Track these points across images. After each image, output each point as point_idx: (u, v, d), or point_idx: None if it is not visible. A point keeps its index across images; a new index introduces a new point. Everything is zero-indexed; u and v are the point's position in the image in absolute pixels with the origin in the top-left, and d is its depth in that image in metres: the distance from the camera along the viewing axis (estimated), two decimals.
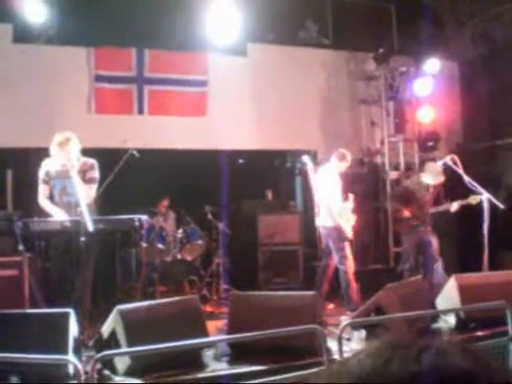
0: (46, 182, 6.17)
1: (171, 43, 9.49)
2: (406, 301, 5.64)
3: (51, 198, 6.17)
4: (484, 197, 7.48)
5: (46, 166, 6.19)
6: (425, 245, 8.14)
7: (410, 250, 8.24)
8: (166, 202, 9.39)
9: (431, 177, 8.15)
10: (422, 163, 10.44)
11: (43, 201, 6.15)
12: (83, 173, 6.01)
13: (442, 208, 8.25)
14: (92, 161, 6.25)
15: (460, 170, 7.82)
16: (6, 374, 4.05)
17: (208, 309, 7.84)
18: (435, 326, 6.06)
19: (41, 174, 6.19)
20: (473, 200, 7.72)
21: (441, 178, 8.12)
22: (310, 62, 10.60)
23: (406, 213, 8.22)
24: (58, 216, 5.89)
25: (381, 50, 10.53)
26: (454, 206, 8.02)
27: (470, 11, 10.87)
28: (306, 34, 10.89)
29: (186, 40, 9.45)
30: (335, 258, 7.56)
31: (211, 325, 5.59)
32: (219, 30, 8.88)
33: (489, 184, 7.83)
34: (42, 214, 6.09)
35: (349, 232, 7.53)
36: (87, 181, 6.05)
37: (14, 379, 4.06)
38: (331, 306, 7.62)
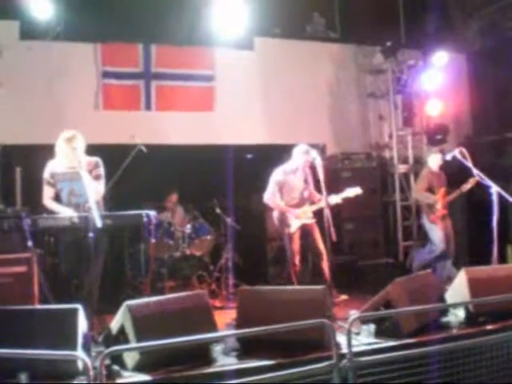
0: (50, 184, 6.11)
1: (178, 38, 9.47)
2: (415, 295, 5.62)
3: (58, 199, 6.12)
4: (493, 190, 7.43)
5: (51, 167, 6.13)
6: None
7: None
8: (174, 197, 9.39)
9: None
10: None
11: (48, 202, 6.10)
12: (89, 172, 5.98)
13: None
14: (96, 159, 6.24)
15: (469, 163, 7.78)
16: (14, 369, 4.06)
17: (217, 303, 7.86)
18: (444, 319, 6.03)
19: (45, 175, 6.12)
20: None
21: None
22: (317, 56, 10.57)
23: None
24: (66, 212, 5.89)
25: (388, 44, 10.50)
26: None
27: (477, 3, 10.82)
28: (314, 27, 10.86)
29: (192, 35, 9.44)
30: None
31: (220, 319, 5.58)
32: (226, 24, 8.87)
33: (498, 177, 7.78)
34: (50, 210, 6.09)
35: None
36: (94, 178, 6.04)
37: (22, 375, 4.06)
38: (344, 296, 7.54)
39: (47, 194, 6.13)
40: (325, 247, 7.31)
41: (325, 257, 7.47)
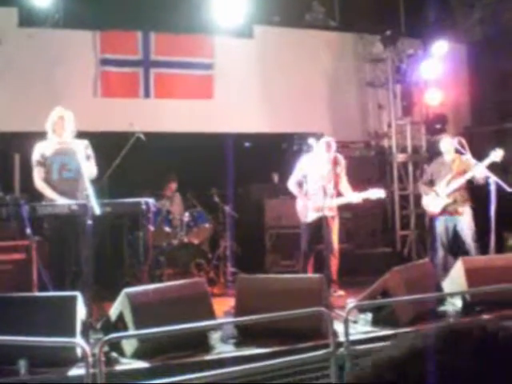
0: (41, 164, 6.13)
1: (177, 26, 9.45)
2: (412, 283, 5.65)
3: (49, 178, 6.13)
4: (491, 180, 7.45)
5: (41, 149, 6.16)
6: None
7: None
8: (173, 185, 9.38)
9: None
10: (430, 146, 10.46)
11: (40, 183, 6.12)
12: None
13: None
14: (84, 141, 6.26)
15: (468, 153, 7.78)
16: (14, 357, 4.09)
17: (215, 291, 7.88)
18: (441, 308, 6.07)
19: (35, 157, 6.15)
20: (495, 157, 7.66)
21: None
22: (316, 44, 10.54)
23: None
24: (59, 200, 5.91)
25: (388, 33, 10.47)
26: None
27: None
28: (313, 16, 10.83)
29: (191, 23, 9.41)
30: None
31: (218, 307, 5.62)
32: (225, 12, 8.86)
33: (496, 167, 7.79)
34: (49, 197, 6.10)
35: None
36: (86, 158, 6.06)
37: (22, 362, 4.09)
38: (341, 292, 7.50)
39: (39, 174, 6.15)
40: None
41: (336, 253, 7.47)
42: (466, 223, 7.95)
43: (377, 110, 11.08)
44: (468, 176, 7.85)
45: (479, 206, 7.95)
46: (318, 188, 7.55)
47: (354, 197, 7.51)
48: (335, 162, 7.62)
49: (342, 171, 7.69)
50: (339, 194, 7.66)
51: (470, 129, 10.99)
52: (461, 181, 7.94)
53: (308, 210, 7.60)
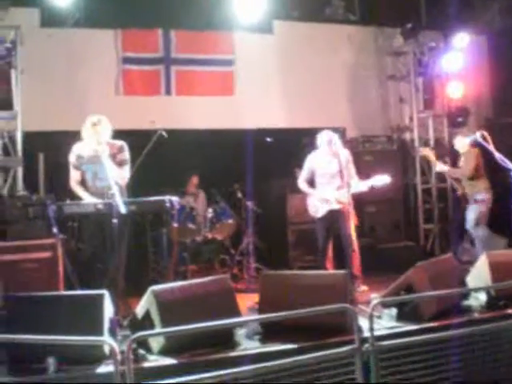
0: (76, 168, 6.19)
1: (197, 23, 9.49)
2: (436, 279, 5.63)
3: (84, 183, 6.21)
4: None
5: (77, 151, 6.20)
6: None
7: None
8: (195, 180, 9.44)
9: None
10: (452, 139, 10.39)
11: (74, 186, 6.20)
12: (113, 156, 6.05)
13: None
14: (120, 142, 6.29)
15: (491, 147, 7.71)
16: (42, 355, 4.15)
17: (238, 287, 7.93)
18: (465, 303, 6.05)
19: (71, 159, 6.21)
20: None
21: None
22: (336, 39, 10.53)
23: None
24: (89, 199, 5.97)
25: (409, 25, 10.43)
26: None
27: None
28: (333, 10, 10.82)
29: (211, 19, 9.45)
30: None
31: (242, 302, 5.63)
32: (245, 8, 8.87)
33: None
34: (74, 197, 6.17)
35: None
36: (119, 163, 6.10)
37: (50, 360, 4.15)
38: (364, 287, 7.46)
39: (73, 177, 6.22)
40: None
41: (355, 245, 7.43)
42: None
43: (398, 104, 11.05)
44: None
45: (501, 200, 7.90)
46: (325, 182, 7.60)
47: (359, 186, 7.50)
48: (339, 155, 7.58)
49: (348, 163, 7.65)
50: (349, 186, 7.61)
51: (492, 120, 10.90)
52: None
53: (318, 205, 7.61)
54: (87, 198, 6.03)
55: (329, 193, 7.53)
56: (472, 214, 8.22)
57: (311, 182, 7.78)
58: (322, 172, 7.66)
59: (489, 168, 8.18)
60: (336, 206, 7.50)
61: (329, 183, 7.59)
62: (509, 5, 10.57)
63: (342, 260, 7.61)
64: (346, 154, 7.67)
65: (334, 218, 7.56)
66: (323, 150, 7.66)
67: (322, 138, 7.67)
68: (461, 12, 10.29)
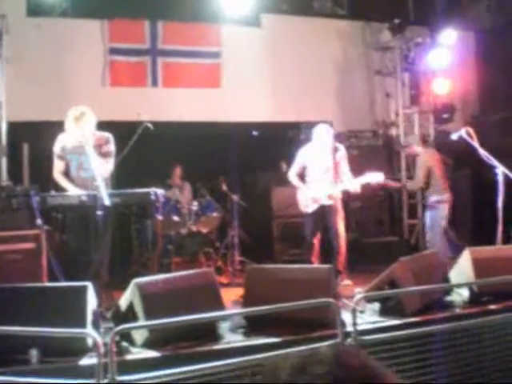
0: (61, 158, 6.18)
1: (184, 15, 9.46)
2: (419, 274, 5.66)
3: (68, 173, 6.19)
4: (499, 170, 7.43)
5: (62, 141, 6.17)
6: None
7: None
8: (178, 171, 9.38)
9: None
10: (438, 135, 10.45)
11: (58, 176, 6.18)
12: (99, 147, 6.03)
13: None
14: (107, 134, 6.26)
15: (475, 144, 7.75)
16: (24, 347, 4.13)
17: (223, 280, 7.92)
18: (448, 298, 6.09)
19: (56, 149, 6.19)
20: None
21: None
22: (324, 33, 10.52)
23: None
24: (74, 191, 5.94)
25: (396, 21, 10.43)
26: None
27: None
28: (321, 4, 10.79)
29: (199, 11, 9.41)
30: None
31: (226, 296, 5.64)
32: (232, 0, 8.84)
33: (504, 157, 7.77)
34: (59, 187, 6.14)
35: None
36: (103, 155, 6.08)
37: (33, 352, 4.13)
38: (348, 282, 7.50)
39: (57, 167, 6.20)
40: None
41: (342, 241, 7.45)
42: None
43: (384, 99, 11.07)
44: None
45: (487, 197, 7.95)
46: (317, 177, 7.59)
47: (352, 183, 7.49)
48: (333, 150, 7.59)
49: (341, 159, 7.65)
50: (341, 182, 7.63)
51: (478, 118, 10.95)
52: None
53: (308, 199, 7.61)
54: (71, 190, 6.00)
55: (318, 191, 7.52)
56: (427, 219, 8.42)
57: (302, 176, 7.78)
58: (315, 166, 7.66)
59: (473, 165, 8.25)
60: (328, 202, 7.49)
61: (321, 178, 7.59)
62: (497, 2, 10.61)
63: (327, 255, 7.63)
64: (341, 150, 7.68)
65: (324, 214, 7.57)
66: (317, 144, 7.65)
67: (316, 132, 7.65)
68: (448, 8, 10.34)
